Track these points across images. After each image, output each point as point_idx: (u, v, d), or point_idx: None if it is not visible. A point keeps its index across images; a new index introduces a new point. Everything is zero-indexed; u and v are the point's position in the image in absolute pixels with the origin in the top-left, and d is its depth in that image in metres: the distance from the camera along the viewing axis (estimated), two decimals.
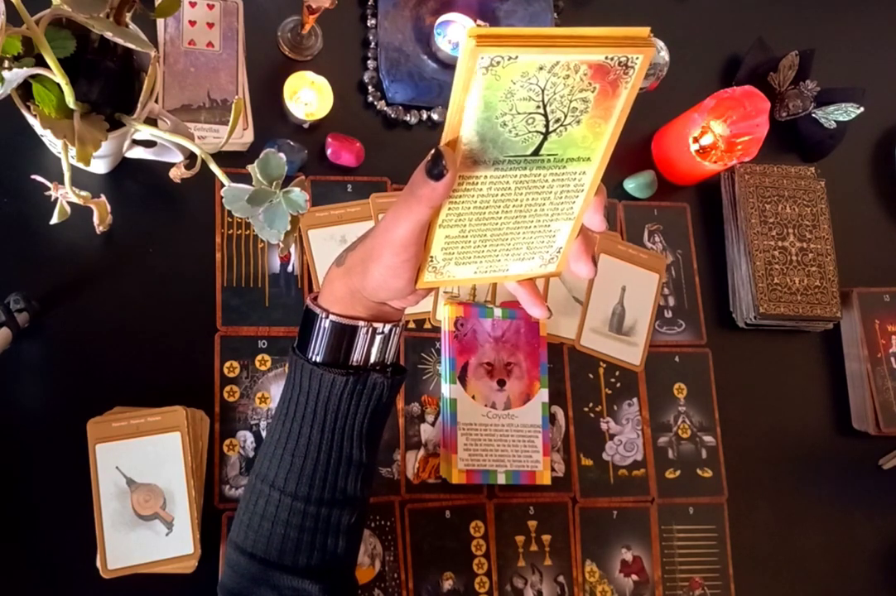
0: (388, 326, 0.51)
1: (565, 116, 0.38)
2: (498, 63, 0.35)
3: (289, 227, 0.56)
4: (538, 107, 0.38)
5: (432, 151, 0.39)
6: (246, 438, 0.75)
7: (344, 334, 0.50)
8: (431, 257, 0.45)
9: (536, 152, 0.40)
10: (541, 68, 0.35)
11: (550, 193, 0.43)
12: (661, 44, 0.90)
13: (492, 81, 0.35)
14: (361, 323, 0.50)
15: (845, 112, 0.95)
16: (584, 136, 0.40)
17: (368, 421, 0.52)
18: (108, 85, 0.64)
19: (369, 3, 0.88)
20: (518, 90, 0.36)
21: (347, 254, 0.49)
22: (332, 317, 0.50)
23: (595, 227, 0.45)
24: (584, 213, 0.45)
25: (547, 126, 0.39)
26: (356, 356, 0.51)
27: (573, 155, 0.41)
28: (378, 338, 0.51)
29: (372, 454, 0.54)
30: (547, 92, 0.37)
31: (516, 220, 0.44)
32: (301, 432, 0.52)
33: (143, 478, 0.66)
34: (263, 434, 0.75)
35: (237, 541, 0.54)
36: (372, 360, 0.52)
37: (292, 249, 0.79)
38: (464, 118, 0.37)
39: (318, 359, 0.51)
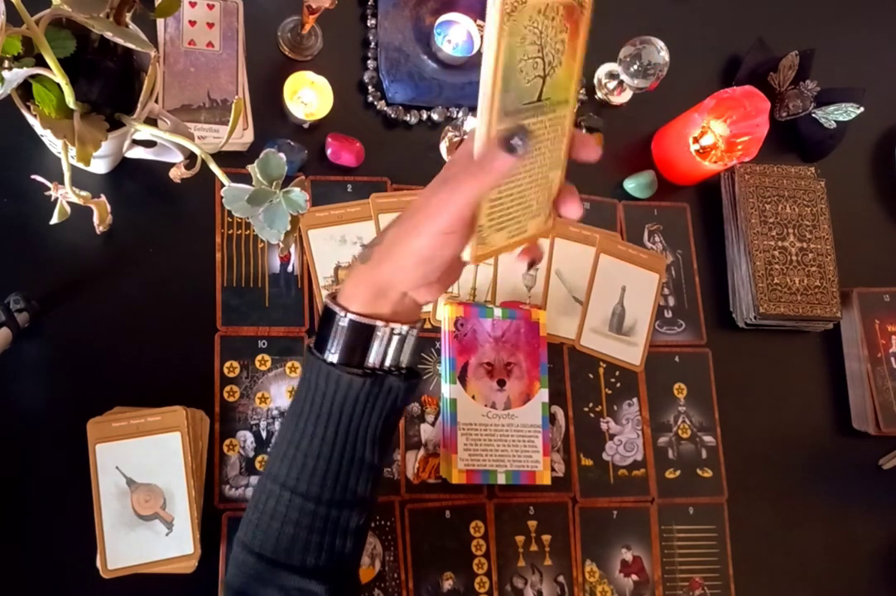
0: (405, 328, 0.51)
1: (553, 58, 0.41)
2: (515, 8, 0.37)
3: (289, 227, 0.56)
4: (538, 50, 0.40)
5: (517, 127, 0.41)
6: (246, 438, 0.75)
7: (362, 334, 0.50)
8: (479, 227, 0.45)
9: (539, 98, 0.42)
10: (539, 11, 0.38)
11: (548, 140, 0.44)
12: (661, 44, 0.90)
13: (513, 27, 0.38)
14: (379, 323, 0.50)
15: (845, 112, 0.95)
16: (563, 76, 0.42)
17: (383, 423, 0.52)
18: (108, 85, 0.64)
19: (369, 3, 0.88)
20: (528, 35, 0.39)
21: (372, 249, 0.49)
22: (350, 315, 0.50)
23: (575, 214, 0.48)
24: (566, 159, 0.47)
25: (545, 69, 0.41)
26: (372, 357, 0.51)
27: (560, 97, 0.43)
28: (395, 338, 0.51)
29: (383, 456, 0.54)
30: (544, 34, 0.39)
31: (529, 174, 0.45)
32: (315, 433, 0.51)
33: (143, 478, 0.66)
34: (263, 434, 0.75)
35: (245, 540, 0.54)
36: (388, 362, 0.52)
37: (292, 249, 0.80)
38: (496, 69, 0.39)
39: (335, 359, 0.51)
